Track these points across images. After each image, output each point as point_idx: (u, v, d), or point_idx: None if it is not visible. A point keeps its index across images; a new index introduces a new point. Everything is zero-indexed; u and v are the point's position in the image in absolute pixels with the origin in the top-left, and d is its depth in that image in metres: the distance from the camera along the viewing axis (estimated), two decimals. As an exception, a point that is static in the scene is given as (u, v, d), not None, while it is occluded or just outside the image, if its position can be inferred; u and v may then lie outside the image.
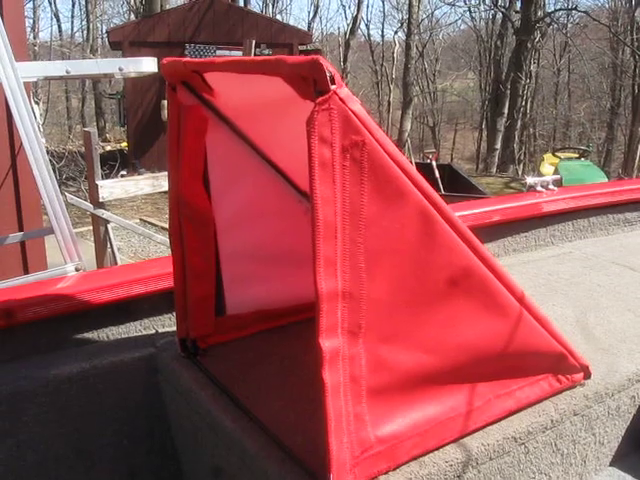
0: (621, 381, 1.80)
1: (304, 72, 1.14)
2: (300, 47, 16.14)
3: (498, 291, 1.47)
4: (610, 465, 1.86)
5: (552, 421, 1.64)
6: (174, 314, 2.13)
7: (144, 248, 10.08)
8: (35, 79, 2.69)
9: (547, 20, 21.40)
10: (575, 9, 21.21)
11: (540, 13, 20.70)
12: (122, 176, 13.17)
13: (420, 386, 1.42)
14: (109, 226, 6.16)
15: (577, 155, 10.94)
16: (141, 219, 11.64)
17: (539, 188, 2.95)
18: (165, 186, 6.63)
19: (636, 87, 18.68)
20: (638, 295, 2.38)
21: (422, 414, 1.43)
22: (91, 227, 7.04)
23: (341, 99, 1.13)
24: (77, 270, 2.40)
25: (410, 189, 1.26)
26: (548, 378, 1.67)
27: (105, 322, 2.07)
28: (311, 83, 1.13)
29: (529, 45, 20.85)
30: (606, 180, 9.03)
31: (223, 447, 1.65)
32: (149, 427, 1.98)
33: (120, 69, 2.97)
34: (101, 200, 5.90)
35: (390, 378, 1.37)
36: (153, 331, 2.13)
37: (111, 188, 6.01)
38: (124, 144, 18.12)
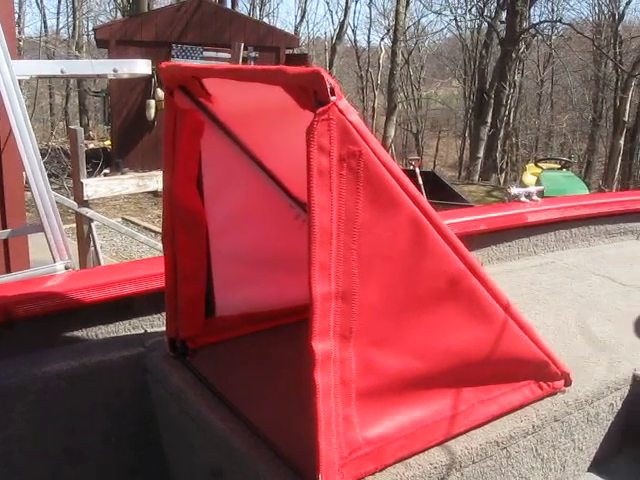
0: (600, 389, 1.85)
1: (305, 83, 1.18)
2: (287, 51, 16.17)
3: (484, 299, 1.52)
4: (588, 471, 1.91)
5: (533, 426, 1.69)
6: (163, 314, 2.16)
7: (126, 247, 10.05)
8: (28, 77, 2.70)
9: (532, 31, 21.60)
10: (559, 21, 21.44)
11: (525, 24, 20.89)
12: (105, 175, 13.13)
13: (407, 390, 1.46)
14: (93, 225, 6.15)
15: (559, 166, 11.08)
16: (123, 218, 11.60)
17: (523, 199, 3.01)
18: (150, 186, 6.63)
19: (617, 100, 18.89)
20: (618, 306, 2.43)
21: (409, 417, 1.47)
22: (72, 225, 7.03)
23: (340, 110, 1.17)
24: (67, 268, 2.40)
25: (403, 198, 1.30)
26: (530, 384, 1.71)
27: (94, 321, 2.09)
28: (311, 94, 1.17)
29: (514, 55, 21.03)
30: (587, 191, 9.14)
31: (212, 446, 1.67)
32: (137, 426, 2.00)
33: (115, 70, 2.98)
34: (85, 198, 5.89)
35: (379, 381, 1.40)
36: (142, 331, 2.15)
37: (96, 187, 6.01)
38: (107, 142, 18.04)
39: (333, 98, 1.15)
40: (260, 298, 2.04)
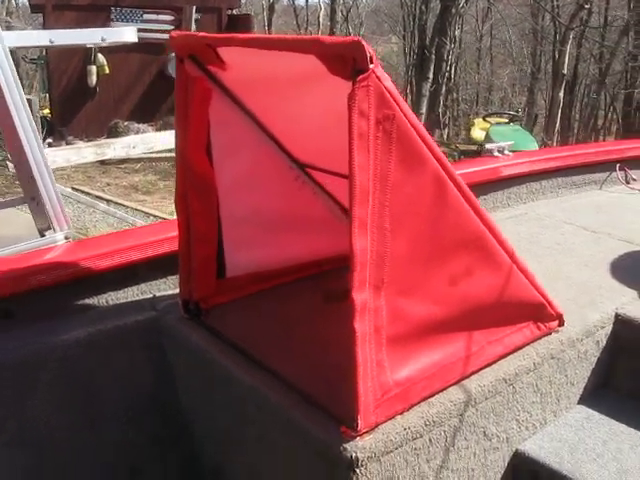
0: (588, 328, 2.00)
1: (344, 51, 1.26)
2: (228, 12, 15.92)
3: (494, 247, 1.64)
4: (578, 403, 2.07)
5: (534, 364, 1.83)
6: (169, 279, 2.23)
7: (79, 217, 9.88)
8: (13, 48, 2.67)
9: (471, -15, 21.71)
10: (497, -25, 21.60)
11: (464, -22, 20.99)
12: (50, 144, 12.83)
13: (428, 334, 1.58)
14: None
15: (507, 120, 11.32)
16: (73, 188, 11.40)
17: (496, 153, 3.14)
18: (108, 154, 6.57)
19: (556, 53, 19.25)
20: (592, 252, 2.60)
21: (430, 359, 1.59)
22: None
23: (377, 77, 1.26)
24: (66, 239, 2.43)
25: (429, 157, 1.41)
26: (529, 325, 1.85)
27: (104, 288, 2.14)
28: (349, 62, 1.25)
29: (453, 10, 21.12)
30: (536, 144, 9.38)
31: (240, 400, 1.77)
32: (155, 387, 2.08)
33: (103, 39, 2.97)
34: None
35: (405, 327, 1.52)
36: (150, 295, 2.21)
37: (53, 157, 5.94)
38: (46, 111, 17.56)
39: (371, 66, 1.24)
40: (266, 257, 2.13)
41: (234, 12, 16.87)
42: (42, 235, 2.87)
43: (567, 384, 2.00)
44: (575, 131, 21.86)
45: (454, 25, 21.99)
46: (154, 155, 12.28)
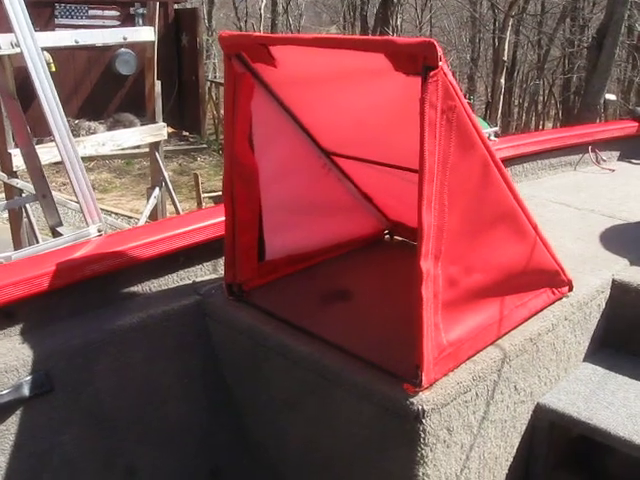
0: (592, 292, 2.23)
1: (416, 50, 1.43)
2: (175, 6, 15.85)
3: (522, 220, 1.85)
4: (583, 361, 2.30)
5: (552, 325, 2.05)
6: (204, 265, 2.38)
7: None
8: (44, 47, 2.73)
9: (410, -25, 21.99)
10: (436, -36, 21.97)
11: (404, -32, 21.26)
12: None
13: (472, 298, 1.78)
14: (24, 196, 6.05)
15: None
16: (28, 188, 11.23)
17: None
18: (79, 152, 6.54)
19: (496, 40, 19.74)
20: (580, 226, 2.84)
21: (473, 321, 1.79)
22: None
23: (444, 73, 1.45)
24: (99, 231, 2.53)
25: (478, 142, 1.60)
26: (547, 291, 2.07)
27: (146, 276, 2.27)
28: (420, 59, 1.42)
29: (395, 0, 21.41)
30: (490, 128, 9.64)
31: (299, 371, 1.92)
32: (202, 366, 2.22)
33: (124, 38, 3.06)
34: (15, 169, 5.81)
35: (454, 293, 1.71)
36: (189, 281, 2.35)
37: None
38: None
39: (440, 63, 1.42)
40: (299, 241, 2.30)
41: (177, 6, 16.80)
42: (54, 232, 2.96)
43: (575, 343, 2.23)
44: (515, 116, 22.46)
45: (396, 14, 22.29)
46: (106, 153, 12.19)
